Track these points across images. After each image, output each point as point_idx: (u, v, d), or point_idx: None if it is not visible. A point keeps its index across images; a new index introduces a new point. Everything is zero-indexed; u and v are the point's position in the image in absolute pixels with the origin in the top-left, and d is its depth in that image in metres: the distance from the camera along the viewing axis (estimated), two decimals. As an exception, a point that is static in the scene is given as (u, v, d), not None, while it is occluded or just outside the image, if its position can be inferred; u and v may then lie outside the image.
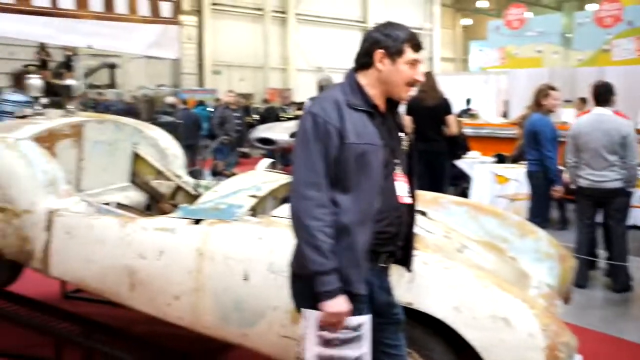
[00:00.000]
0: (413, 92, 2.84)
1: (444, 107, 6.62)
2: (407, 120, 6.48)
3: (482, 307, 2.64)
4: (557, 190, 5.69)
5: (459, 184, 8.80)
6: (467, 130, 10.65)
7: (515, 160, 8.19)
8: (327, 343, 2.28)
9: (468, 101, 17.10)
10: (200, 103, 16.35)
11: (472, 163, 8.71)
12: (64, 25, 7.34)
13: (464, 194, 8.38)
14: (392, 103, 2.48)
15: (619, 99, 6.09)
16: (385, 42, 2.36)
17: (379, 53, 2.36)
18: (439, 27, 32.80)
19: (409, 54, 2.36)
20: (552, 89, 5.86)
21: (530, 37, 20.01)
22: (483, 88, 17.98)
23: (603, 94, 5.60)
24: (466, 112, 15.68)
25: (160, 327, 3.70)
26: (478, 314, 2.64)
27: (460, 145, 8.06)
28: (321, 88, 8.81)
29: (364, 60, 2.41)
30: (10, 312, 3.95)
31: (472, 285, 2.70)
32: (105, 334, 3.79)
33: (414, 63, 2.38)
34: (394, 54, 2.35)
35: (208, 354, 3.92)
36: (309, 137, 2.27)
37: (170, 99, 13.42)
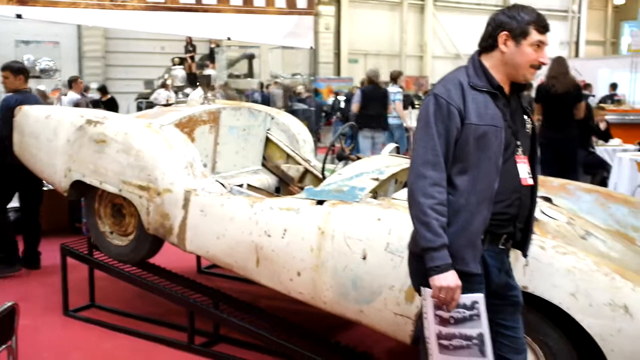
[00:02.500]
0: (541, 76, 2.81)
1: (575, 94, 6.42)
2: (536, 108, 6.36)
3: (600, 294, 2.57)
4: None
5: (598, 173, 8.38)
6: (611, 117, 10.10)
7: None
8: (444, 322, 2.31)
9: (614, 86, 16.09)
10: (316, 93, 17.93)
11: (613, 151, 8.27)
12: (207, 20, 7.79)
13: (603, 183, 7.98)
14: (517, 86, 2.47)
15: None
16: (509, 24, 2.36)
17: (503, 35, 2.36)
18: (586, 9, 30.96)
19: (533, 35, 2.34)
20: None
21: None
22: (632, 72, 16.83)
23: None
24: (611, 98, 14.78)
25: (282, 303, 3.89)
26: (595, 301, 2.57)
27: (590, 131, 7.97)
28: (370, 80, 9.24)
29: (487, 43, 2.42)
30: (151, 281, 4.29)
31: (591, 271, 2.62)
32: (232, 306, 4.03)
33: (539, 45, 2.36)
34: (518, 35, 2.34)
35: (325, 330, 4.07)
36: (431, 118, 2.31)
37: (300, 88, 13.97)
